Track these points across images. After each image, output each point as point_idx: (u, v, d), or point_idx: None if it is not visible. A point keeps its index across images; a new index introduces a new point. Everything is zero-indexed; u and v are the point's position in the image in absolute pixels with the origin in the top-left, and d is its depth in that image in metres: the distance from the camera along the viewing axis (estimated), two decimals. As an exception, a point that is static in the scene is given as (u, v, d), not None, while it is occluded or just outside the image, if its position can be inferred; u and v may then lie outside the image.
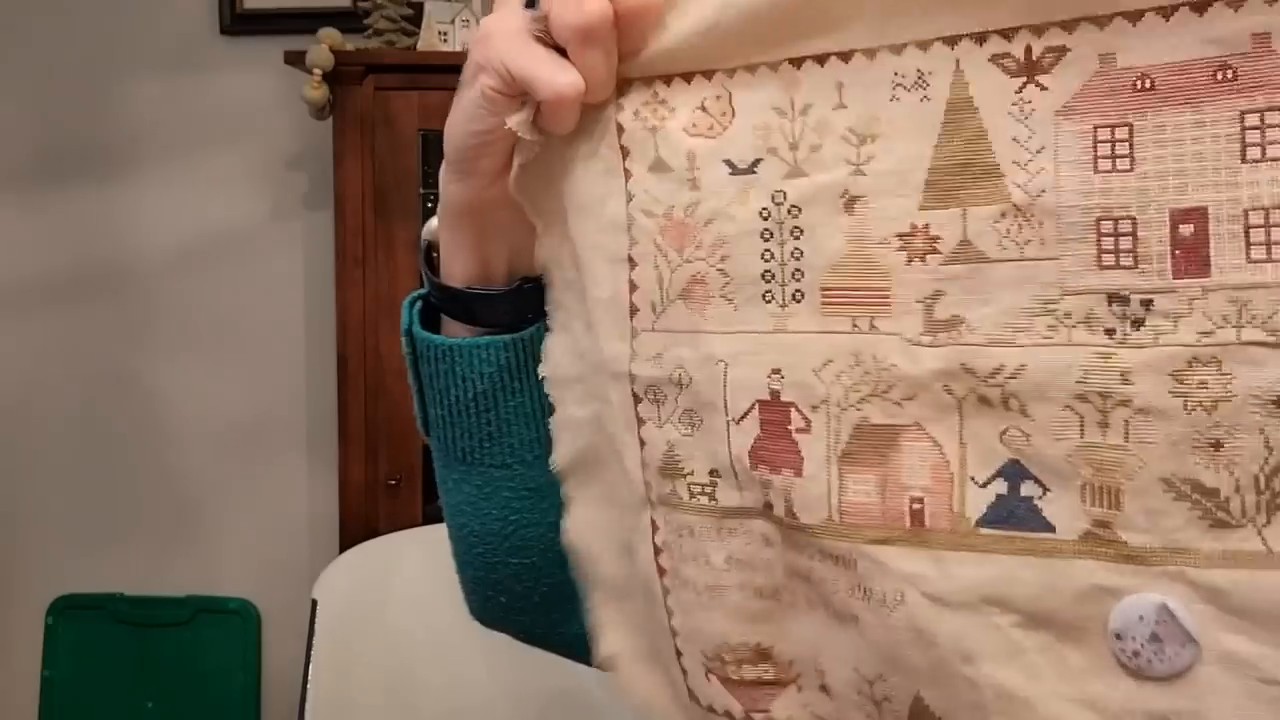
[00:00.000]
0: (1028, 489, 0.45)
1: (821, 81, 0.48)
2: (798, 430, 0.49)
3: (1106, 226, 0.43)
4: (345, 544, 1.75)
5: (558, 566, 0.59)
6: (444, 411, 0.62)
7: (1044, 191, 0.44)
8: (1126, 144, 0.43)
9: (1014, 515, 0.45)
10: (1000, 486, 0.45)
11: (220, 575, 2.20)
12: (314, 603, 1.46)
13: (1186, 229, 0.42)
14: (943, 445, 0.47)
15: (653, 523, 0.55)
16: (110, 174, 2.14)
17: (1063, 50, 0.44)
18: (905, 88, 0.47)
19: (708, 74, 0.51)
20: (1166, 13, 0.42)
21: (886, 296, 0.47)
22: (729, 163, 0.50)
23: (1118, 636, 0.44)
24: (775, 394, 0.50)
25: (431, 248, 0.60)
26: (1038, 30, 0.44)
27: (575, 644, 0.62)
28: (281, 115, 2.08)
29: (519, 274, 0.58)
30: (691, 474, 0.53)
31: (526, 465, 0.61)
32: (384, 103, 1.76)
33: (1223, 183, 0.42)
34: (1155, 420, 0.43)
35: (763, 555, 0.52)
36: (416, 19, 1.80)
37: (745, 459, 0.51)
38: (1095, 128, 0.43)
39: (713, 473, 0.53)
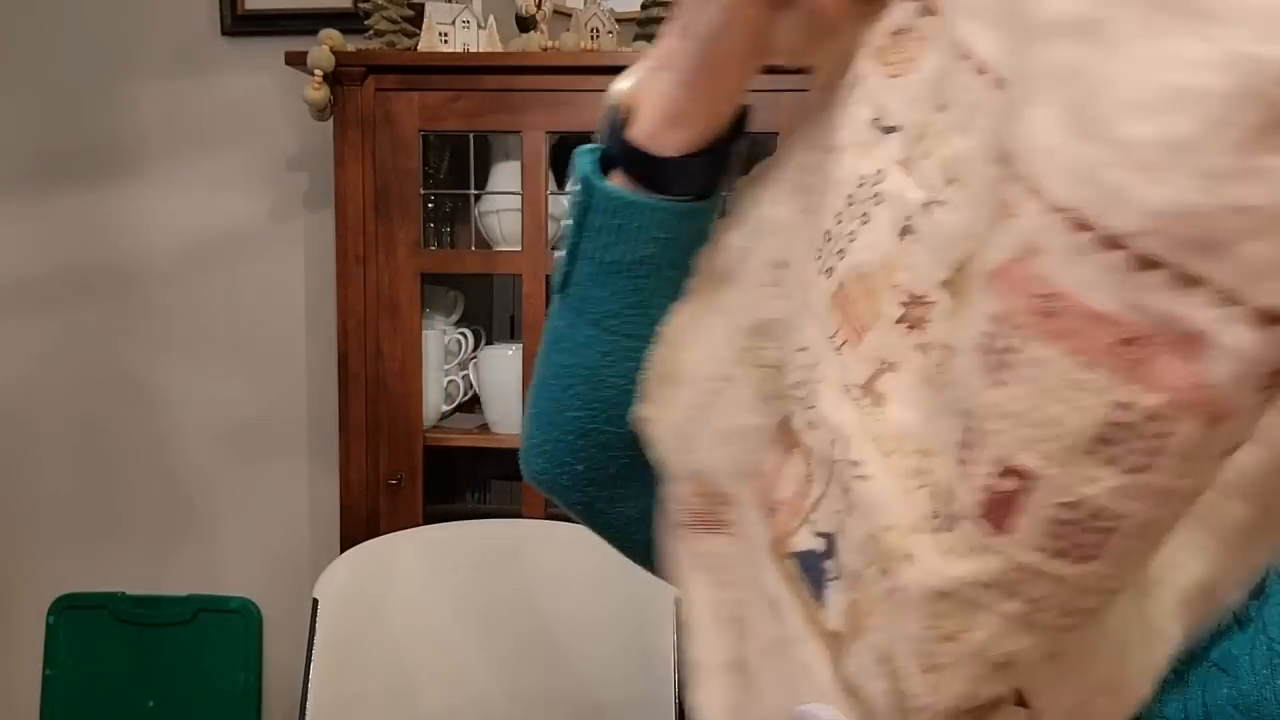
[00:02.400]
0: (829, 565, 0.45)
1: (971, 85, 0.43)
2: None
3: (970, 421, 0.40)
4: (346, 544, 1.75)
5: (642, 442, 0.59)
6: (596, 269, 0.61)
7: (956, 350, 0.42)
8: (1013, 356, 0.38)
9: (811, 572, 0.47)
10: (820, 544, 0.46)
11: (221, 574, 2.20)
12: (315, 602, 1.46)
13: (1007, 483, 0.39)
14: (812, 481, 0.47)
15: None
16: (111, 174, 2.15)
17: None
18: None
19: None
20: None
21: (863, 334, 0.46)
22: (880, 109, 0.47)
23: None
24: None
25: (617, 110, 0.59)
26: None
27: (627, 526, 0.63)
28: (282, 116, 2.08)
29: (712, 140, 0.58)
30: None
31: (655, 338, 0.60)
32: (385, 103, 1.76)
33: (1060, 462, 0.37)
34: (897, 611, 0.43)
35: None
36: (417, 20, 1.81)
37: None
38: (995, 315, 0.38)
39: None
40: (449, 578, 1.62)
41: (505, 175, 1.83)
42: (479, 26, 1.77)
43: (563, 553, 1.60)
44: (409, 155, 1.78)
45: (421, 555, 1.63)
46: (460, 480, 2.12)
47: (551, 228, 1.77)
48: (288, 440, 2.17)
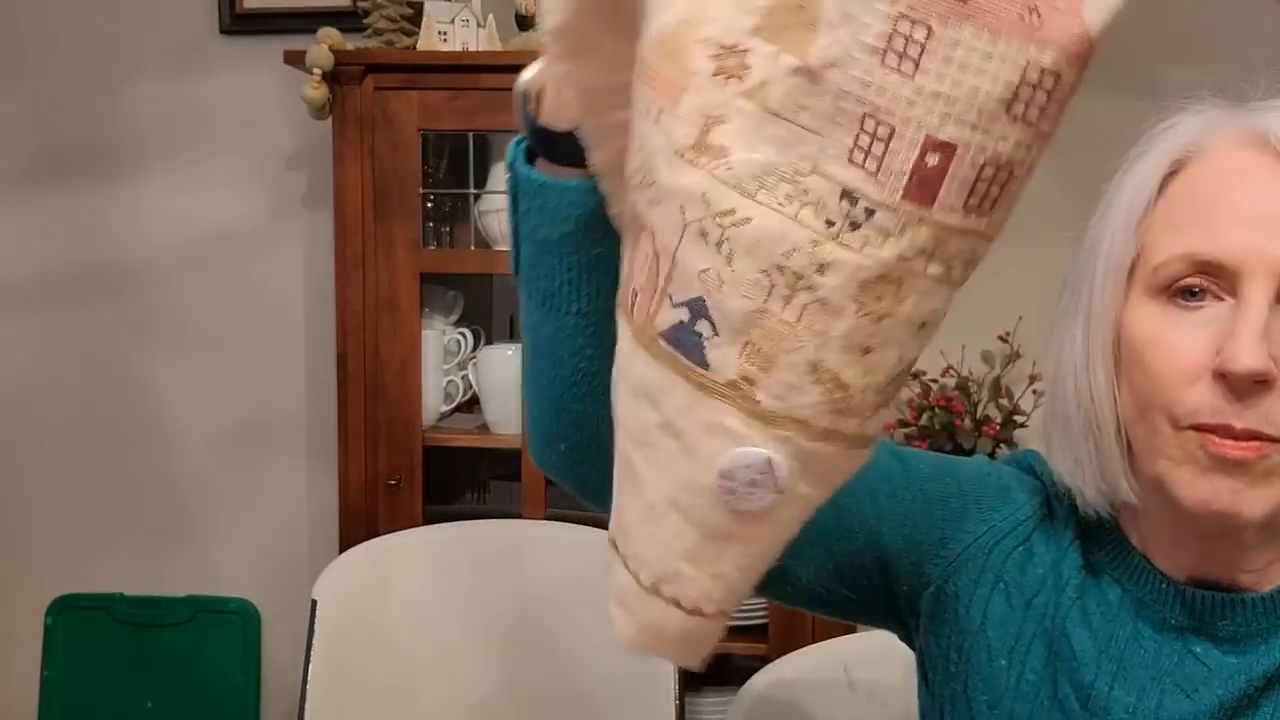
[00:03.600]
0: (702, 327, 0.48)
1: None
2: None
3: (869, 124, 0.44)
4: (345, 544, 1.75)
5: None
6: (533, 249, 0.66)
7: (833, 65, 0.45)
8: (919, 47, 0.43)
9: (683, 343, 0.49)
10: (683, 314, 0.49)
11: (220, 575, 2.20)
12: (314, 603, 1.46)
13: (933, 158, 0.44)
14: (660, 258, 0.49)
15: None
16: (110, 174, 2.14)
17: None
18: None
19: None
20: None
21: (679, 96, 0.48)
22: None
23: (722, 475, 0.50)
24: None
25: (526, 98, 0.63)
26: None
27: None
28: (281, 115, 2.08)
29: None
30: None
31: (602, 317, 0.63)
32: (384, 102, 1.76)
33: (980, 127, 0.44)
34: (827, 314, 0.47)
35: None
36: (416, 19, 1.81)
37: None
38: (899, 15, 0.43)
39: None
40: (448, 578, 1.61)
41: (505, 174, 1.82)
42: (478, 25, 1.77)
43: (562, 553, 1.60)
44: (408, 155, 1.77)
45: (420, 556, 1.62)
46: (459, 481, 2.11)
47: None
48: (286, 441, 2.17)
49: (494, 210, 1.83)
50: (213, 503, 2.20)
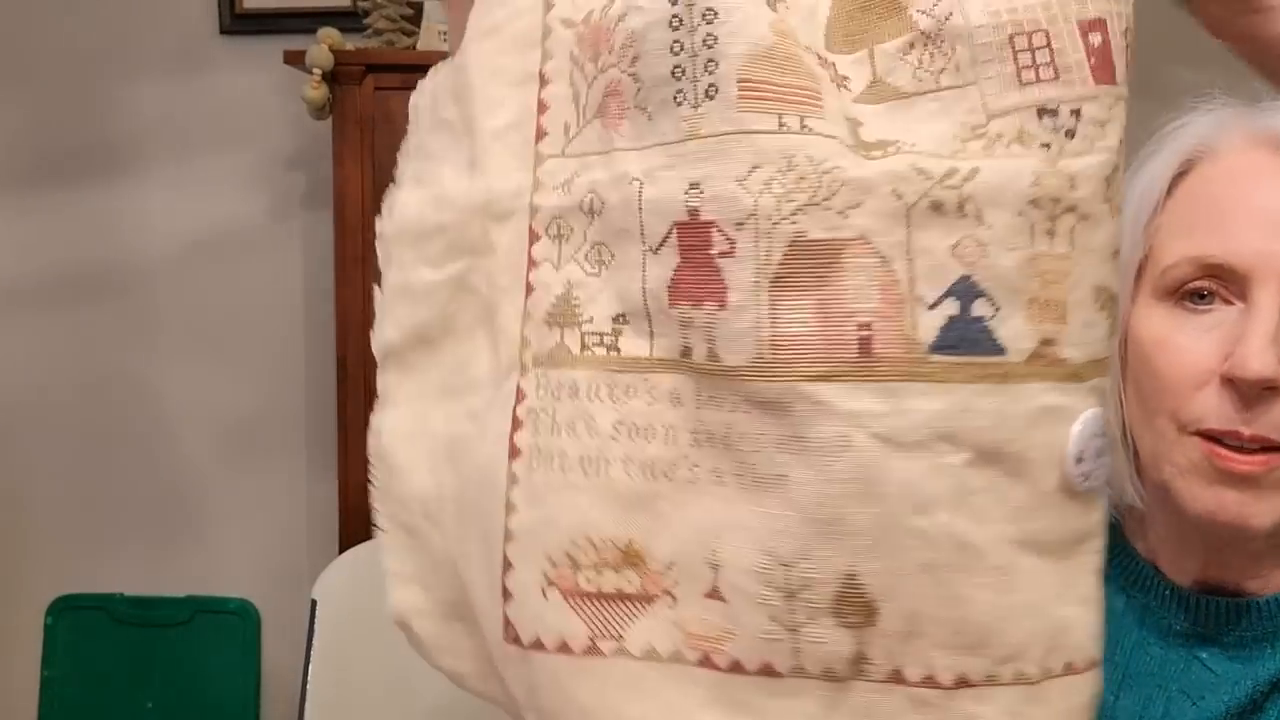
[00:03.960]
0: (979, 308, 0.41)
1: None
2: (720, 254, 0.43)
3: (1021, 43, 0.42)
4: (345, 544, 1.74)
5: None
6: None
7: (951, 14, 0.43)
8: None
9: (966, 338, 0.41)
10: (951, 307, 0.41)
11: (220, 575, 2.19)
12: (314, 603, 1.45)
13: (1095, 38, 0.43)
14: (891, 262, 0.41)
15: (519, 391, 0.48)
16: (109, 174, 2.14)
17: None
18: None
19: None
20: None
21: (818, 97, 0.43)
22: None
23: (1078, 460, 0.42)
24: (694, 212, 0.43)
25: None
26: None
27: None
28: (281, 115, 2.07)
29: None
30: (590, 320, 0.46)
31: None
32: (383, 102, 1.76)
33: None
34: (1091, 228, 0.42)
35: (665, 418, 0.45)
36: (416, 19, 1.80)
37: (663, 295, 0.44)
38: None
39: (618, 318, 0.46)
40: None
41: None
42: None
43: (563, 553, 1.60)
44: (408, 154, 1.77)
45: (421, 556, 1.62)
46: (459, 481, 2.11)
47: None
48: (286, 441, 2.17)
49: (494, 210, 1.82)
50: (213, 503, 2.20)
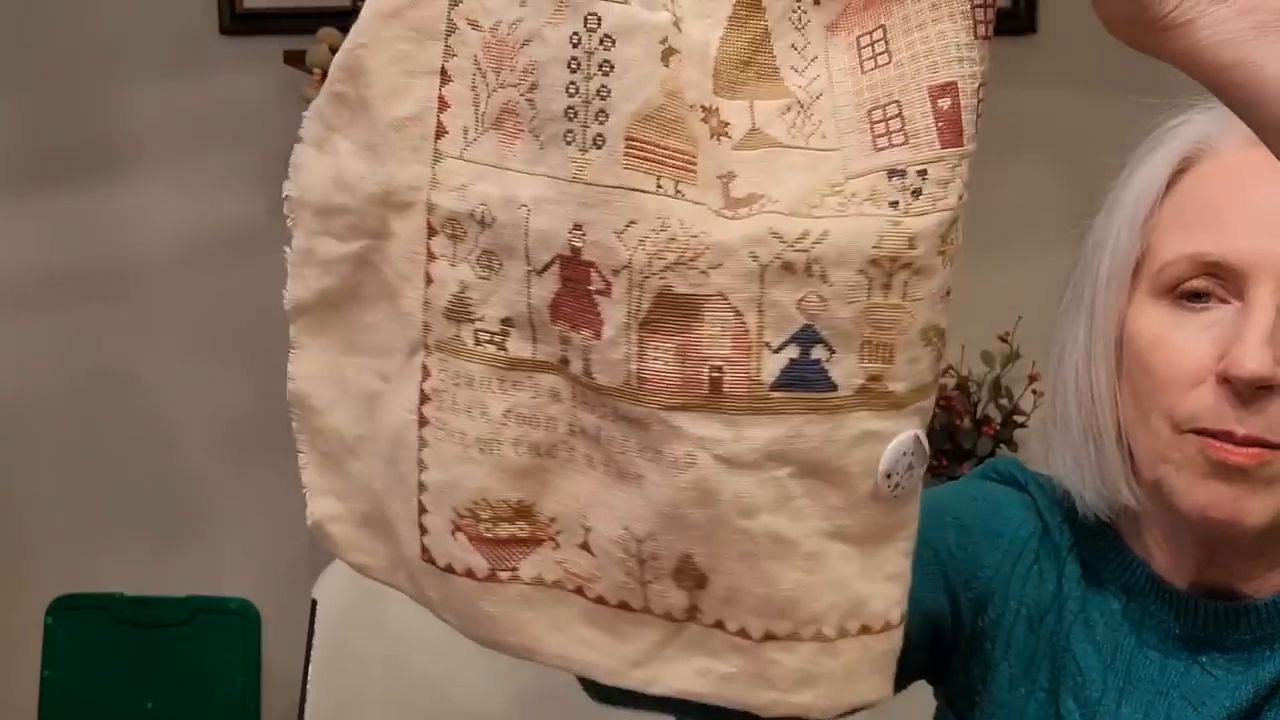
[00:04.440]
0: (818, 352, 0.48)
1: None
2: (598, 291, 0.49)
3: (877, 115, 0.47)
4: (345, 544, 1.74)
5: None
6: None
7: (821, 95, 0.48)
8: (883, 42, 0.47)
9: (804, 378, 0.48)
10: (793, 351, 0.48)
11: (220, 575, 2.19)
12: (314, 603, 1.46)
13: (944, 102, 0.47)
14: (744, 314, 0.48)
15: (424, 368, 0.55)
16: (109, 173, 2.14)
17: None
18: None
19: None
20: None
21: (693, 164, 0.48)
22: None
23: (888, 475, 0.49)
24: (576, 251, 0.49)
25: None
26: None
27: None
28: (281, 115, 2.07)
29: None
30: (482, 319, 0.52)
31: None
32: (383, 102, 1.75)
33: (962, 59, 0.47)
34: (925, 278, 0.48)
35: (547, 411, 0.53)
36: (416, 18, 1.80)
37: (545, 311, 0.51)
38: (858, 38, 0.47)
39: (506, 321, 0.52)
40: (448, 578, 1.61)
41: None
42: (478, 25, 1.76)
43: (562, 553, 1.60)
44: (408, 154, 1.77)
45: (421, 556, 1.62)
46: (459, 480, 2.11)
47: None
48: (286, 440, 2.14)
49: (494, 210, 1.82)
50: (213, 503, 2.20)
